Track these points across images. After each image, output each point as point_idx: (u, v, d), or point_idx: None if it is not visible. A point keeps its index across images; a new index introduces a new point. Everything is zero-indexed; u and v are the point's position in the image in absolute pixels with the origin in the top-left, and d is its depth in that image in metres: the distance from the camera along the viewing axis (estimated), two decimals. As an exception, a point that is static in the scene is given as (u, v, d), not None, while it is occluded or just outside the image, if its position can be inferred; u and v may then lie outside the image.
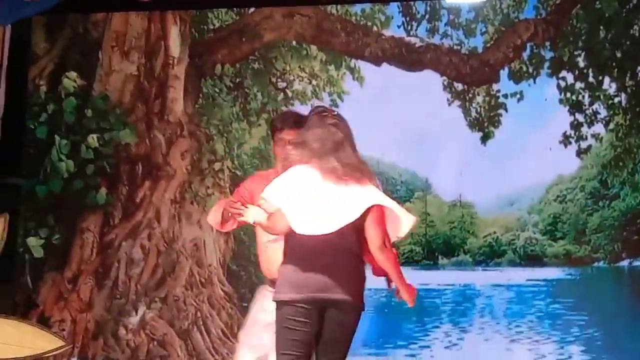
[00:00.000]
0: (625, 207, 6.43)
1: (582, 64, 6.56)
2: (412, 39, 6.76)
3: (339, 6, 6.84)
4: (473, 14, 6.72)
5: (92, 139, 6.80)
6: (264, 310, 3.97)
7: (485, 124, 6.69)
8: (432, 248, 6.77)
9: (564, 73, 6.57)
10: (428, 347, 6.37)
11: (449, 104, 6.72)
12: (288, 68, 6.91)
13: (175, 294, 6.67)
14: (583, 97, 6.55)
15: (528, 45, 6.59)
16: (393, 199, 3.58)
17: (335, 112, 3.76)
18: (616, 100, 6.49)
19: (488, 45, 6.68)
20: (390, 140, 6.55)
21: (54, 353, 5.60)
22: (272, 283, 3.83)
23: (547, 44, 6.58)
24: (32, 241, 6.77)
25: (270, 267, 3.96)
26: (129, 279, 6.73)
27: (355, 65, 6.83)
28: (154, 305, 6.67)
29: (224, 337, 6.60)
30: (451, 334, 6.41)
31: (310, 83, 6.88)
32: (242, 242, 6.63)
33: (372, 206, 3.49)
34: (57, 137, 6.82)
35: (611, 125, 6.51)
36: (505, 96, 6.66)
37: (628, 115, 6.48)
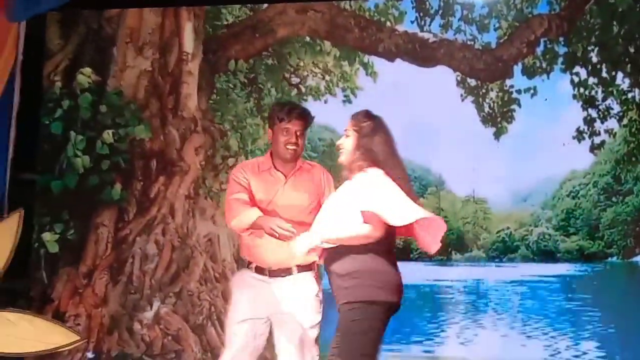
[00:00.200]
0: (639, 202, 6.42)
1: (595, 59, 6.54)
2: (426, 35, 6.75)
3: (352, 2, 6.84)
4: (487, 9, 6.71)
5: (108, 135, 6.82)
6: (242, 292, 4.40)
7: (498, 119, 6.69)
8: (446, 244, 6.76)
9: (577, 68, 6.55)
10: (443, 343, 6.38)
11: (462, 100, 6.71)
12: (302, 64, 6.91)
13: (190, 289, 6.69)
14: (596, 92, 6.54)
15: (542, 40, 6.57)
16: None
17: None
18: (629, 95, 6.47)
19: (501, 40, 6.67)
20: (404, 136, 6.50)
21: (69, 348, 5.67)
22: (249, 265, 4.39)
23: (561, 39, 6.56)
24: (47, 236, 6.79)
25: (249, 251, 4.40)
26: (143, 274, 6.76)
27: (368, 61, 6.83)
28: (169, 300, 6.70)
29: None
30: (466, 329, 6.42)
31: (323, 79, 6.89)
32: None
33: None
34: (72, 133, 6.85)
35: (624, 121, 6.49)
36: (519, 92, 6.66)
37: (641, 111, 6.48)
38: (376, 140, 3.95)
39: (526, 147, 6.53)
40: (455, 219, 6.81)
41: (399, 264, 3.98)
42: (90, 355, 6.64)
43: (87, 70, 6.96)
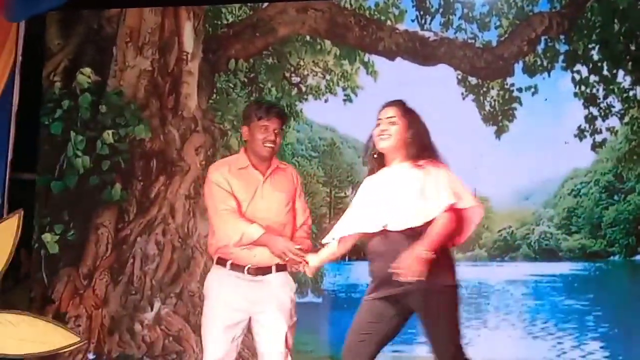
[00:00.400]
0: (641, 200, 6.42)
1: (596, 57, 6.52)
2: (426, 33, 6.74)
3: (352, 0, 6.83)
4: (487, 7, 6.69)
5: (108, 135, 6.81)
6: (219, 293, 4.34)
7: (499, 117, 6.67)
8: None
9: (578, 66, 6.53)
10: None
11: (463, 98, 6.69)
12: (302, 63, 6.90)
13: (191, 289, 6.67)
14: (597, 90, 6.52)
15: (542, 38, 6.56)
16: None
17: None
18: (631, 93, 6.45)
19: (502, 38, 6.65)
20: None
21: (70, 349, 5.65)
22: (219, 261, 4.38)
23: (562, 37, 6.54)
24: (47, 237, 6.79)
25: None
26: (144, 275, 6.75)
27: (369, 60, 6.81)
28: (169, 300, 6.69)
29: (239, 332, 6.60)
30: (468, 329, 6.39)
31: (324, 78, 6.87)
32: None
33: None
34: (72, 133, 6.83)
35: (626, 119, 6.47)
36: (520, 90, 6.64)
37: (643, 109, 6.46)
38: (422, 127, 4.04)
39: (527, 146, 6.51)
40: (457, 218, 6.78)
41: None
42: (91, 356, 6.63)
43: (87, 70, 6.95)
